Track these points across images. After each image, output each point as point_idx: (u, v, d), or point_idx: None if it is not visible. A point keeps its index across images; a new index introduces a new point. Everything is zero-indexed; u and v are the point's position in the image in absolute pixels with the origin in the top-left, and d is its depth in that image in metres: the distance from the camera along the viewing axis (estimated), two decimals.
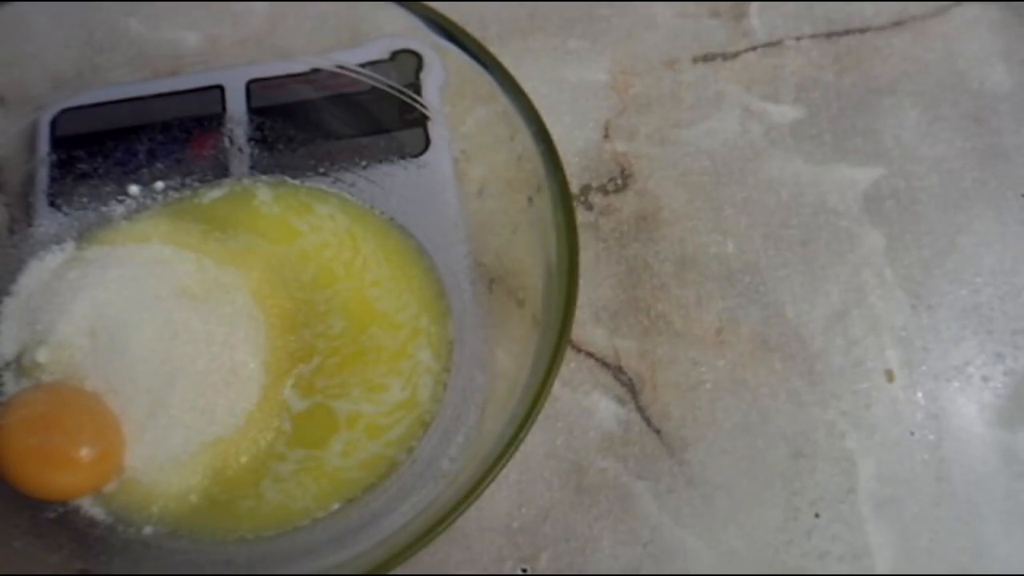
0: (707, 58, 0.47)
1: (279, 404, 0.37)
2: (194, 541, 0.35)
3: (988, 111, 0.46)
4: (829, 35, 0.45)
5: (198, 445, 0.36)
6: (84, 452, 0.34)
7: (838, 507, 0.38)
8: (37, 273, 0.39)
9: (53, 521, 0.35)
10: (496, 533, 0.38)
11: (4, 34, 0.51)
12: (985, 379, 0.41)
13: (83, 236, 0.41)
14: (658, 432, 0.40)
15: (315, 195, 0.42)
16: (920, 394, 0.40)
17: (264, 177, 0.42)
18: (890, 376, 0.41)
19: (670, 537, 0.38)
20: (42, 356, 0.36)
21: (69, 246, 0.40)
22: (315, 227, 0.41)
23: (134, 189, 0.42)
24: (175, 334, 0.36)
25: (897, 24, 0.49)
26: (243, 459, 0.36)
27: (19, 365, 0.37)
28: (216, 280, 0.38)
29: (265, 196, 0.42)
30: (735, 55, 0.47)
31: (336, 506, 0.36)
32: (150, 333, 0.36)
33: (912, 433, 0.40)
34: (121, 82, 0.46)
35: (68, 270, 0.39)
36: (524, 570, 0.38)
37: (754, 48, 0.48)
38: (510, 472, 0.39)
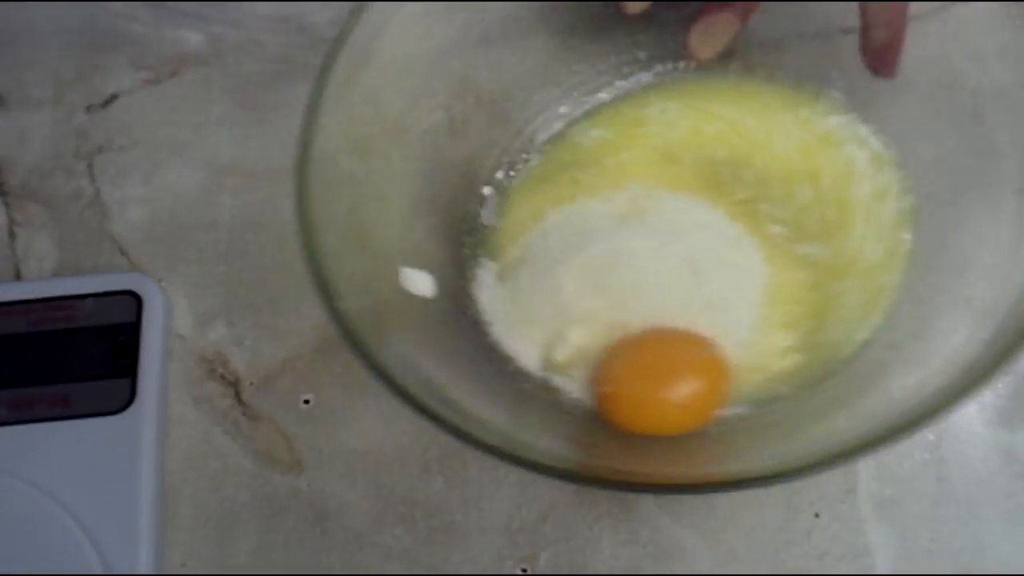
0: None
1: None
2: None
3: (985, 109, 0.46)
4: (828, 34, 0.45)
5: (759, 305, 0.36)
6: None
7: (838, 507, 0.38)
8: (489, 294, 0.39)
9: None
10: (496, 533, 0.38)
11: (5, 34, 0.51)
12: None
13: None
14: None
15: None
16: None
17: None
18: None
19: (670, 537, 0.38)
20: (574, 338, 0.36)
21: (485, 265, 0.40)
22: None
23: None
24: (660, 242, 0.36)
25: None
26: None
27: (555, 363, 0.37)
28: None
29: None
30: (735, 55, 0.47)
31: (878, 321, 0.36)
32: (641, 253, 0.36)
33: None
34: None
35: (512, 273, 0.38)
36: (524, 570, 0.38)
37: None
38: (510, 472, 0.39)
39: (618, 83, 0.43)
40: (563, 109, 0.42)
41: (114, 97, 0.49)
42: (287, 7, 0.49)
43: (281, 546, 0.38)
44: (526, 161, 0.42)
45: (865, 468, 0.39)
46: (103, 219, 0.46)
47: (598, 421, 0.35)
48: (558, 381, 0.36)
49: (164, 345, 0.41)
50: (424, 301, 0.36)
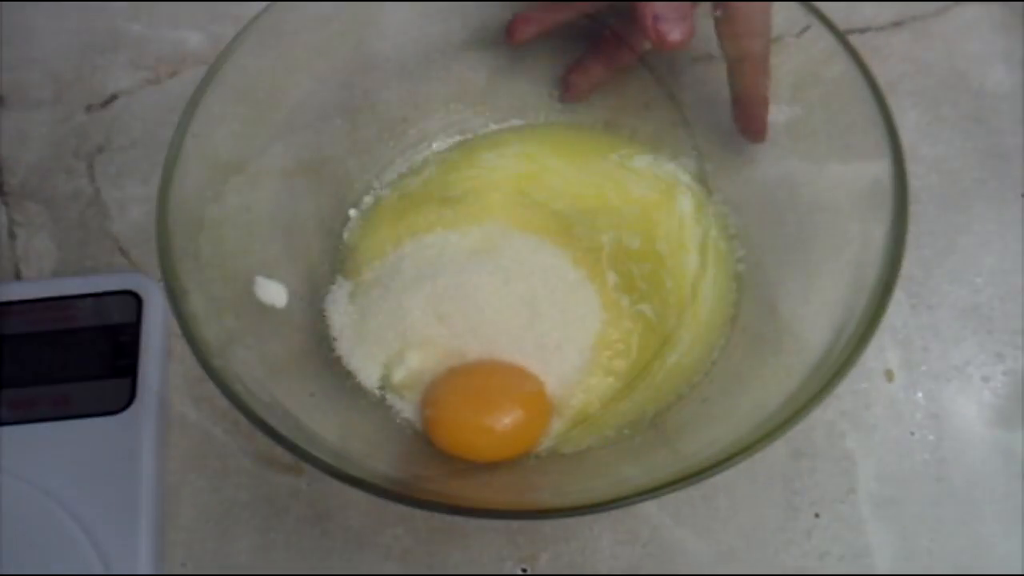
0: (706, 58, 0.47)
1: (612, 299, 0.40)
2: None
3: (988, 111, 0.46)
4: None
5: (589, 349, 0.38)
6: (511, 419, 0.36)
7: (838, 507, 0.38)
8: (339, 311, 0.40)
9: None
10: (496, 533, 0.38)
11: (6, 35, 0.51)
12: (985, 379, 0.41)
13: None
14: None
15: None
16: (920, 394, 0.40)
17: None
18: (890, 376, 0.41)
19: (670, 537, 0.38)
20: (412, 361, 0.37)
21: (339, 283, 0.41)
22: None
23: None
24: (504, 280, 0.38)
25: (897, 24, 0.49)
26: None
27: (392, 384, 0.38)
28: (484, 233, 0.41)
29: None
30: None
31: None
32: (485, 288, 0.38)
33: (912, 433, 0.40)
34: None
35: (364, 293, 0.40)
36: (524, 570, 0.38)
37: None
38: None
39: (492, 125, 0.45)
40: (436, 144, 0.45)
41: (114, 97, 0.49)
42: None
43: (281, 546, 0.38)
44: (394, 188, 0.43)
45: (865, 468, 0.39)
46: (103, 219, 0.46)
47: (425, 443, 0.36)
48: (392, 401, 0.38)
49: (164, 345, 0.41)
50: (275, 311, 0.37)
